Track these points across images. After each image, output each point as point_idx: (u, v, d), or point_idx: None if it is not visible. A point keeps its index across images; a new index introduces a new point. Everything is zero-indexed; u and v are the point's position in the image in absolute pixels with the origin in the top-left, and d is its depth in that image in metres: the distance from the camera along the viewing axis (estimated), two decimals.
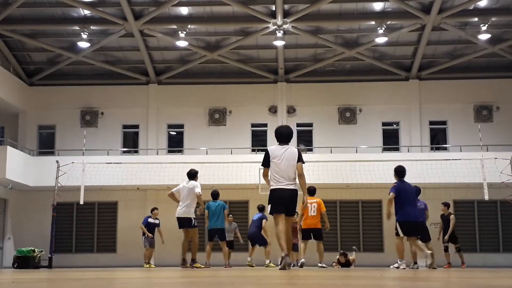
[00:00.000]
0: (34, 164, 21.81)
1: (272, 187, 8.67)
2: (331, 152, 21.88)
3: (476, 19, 20.90)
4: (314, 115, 23.64)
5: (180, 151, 23.58)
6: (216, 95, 23.86)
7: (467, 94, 23.38)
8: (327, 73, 24.16)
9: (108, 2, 20.61)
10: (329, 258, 15.57)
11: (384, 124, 23.65)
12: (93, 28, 21.49)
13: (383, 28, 20.88)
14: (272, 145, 8.97)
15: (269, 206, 8.73)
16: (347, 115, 23.53)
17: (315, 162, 19.85)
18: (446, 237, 15.55)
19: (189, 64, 23.68)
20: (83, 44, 21.96)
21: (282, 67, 23.39)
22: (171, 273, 8.97)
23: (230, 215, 17.00)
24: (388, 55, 23.56)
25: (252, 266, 15.78)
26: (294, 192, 8.67)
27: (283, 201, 8.61)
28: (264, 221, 16.01)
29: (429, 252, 11.42)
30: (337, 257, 16.42)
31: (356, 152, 22.18)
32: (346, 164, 19.89)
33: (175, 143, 23.99)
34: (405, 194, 11.51)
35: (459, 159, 19.47)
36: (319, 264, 13.99)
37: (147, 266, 17.45)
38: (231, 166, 19.83)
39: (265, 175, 8.78)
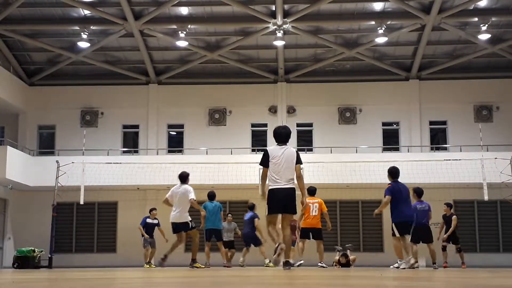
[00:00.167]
0: (34, 164, 21.81)
1: (270, 187, 8.71)
2: (331, 152, 21.88)
3: (476, 19, 20.90)
4: (314, 115, 23.64)
5: (180, 151, 23.59)
6: (216, 95, 23.87)
7: (467, 94, 23.38)
8: (327, 73, 24.17)
9: (108, 2, 20.62)
10: (329, 258, 15.58)
11: (384, 124, 23.66)
12: (93, 28, 21.49)
13: (383, 28, 20.88)
14: (271, 146, 9.01)
15: (267, 206, 8.77)
16: (347, 115, 23.53)
17: (315, 162, 19.90)
18: (445, 236, 15.55)
19: (189, 64, 23.68)
20: (83, 44, 21.96)
21: (282, 67, 23.39)
22: (171, 273, 8.97)
23: (230, 215, 17.08)
24: (388, 55, 23.56)
25: (242, 266, 15.75)
26: (291, 191, 8.70)
27: (280, 201, 8.65)
28: (256, 220, 16.10)
29: (412, 259, 11.42)
30: (337, 257, 16.41)
31: (356, 152, 22.18)
32: (346, 164, 19.89)
33: (175, 143, 24.00)
34: (399, 194, 11.56)
35: (459, 159, 19.47)
36: (319, 264, 14.00)
37: (147, 266, 17.45)
38: (231, 166, 19.83)
39: (264, 176, 8.79)
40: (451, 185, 20.43)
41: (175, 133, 24.21)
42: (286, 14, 20.71)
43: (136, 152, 23.68)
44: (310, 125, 23.79)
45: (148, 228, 17.76)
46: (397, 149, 23.37)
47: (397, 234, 11.52)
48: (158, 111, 23.82)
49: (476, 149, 20.84)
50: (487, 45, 22.11)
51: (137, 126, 24.08)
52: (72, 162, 19.24)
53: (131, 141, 24.39)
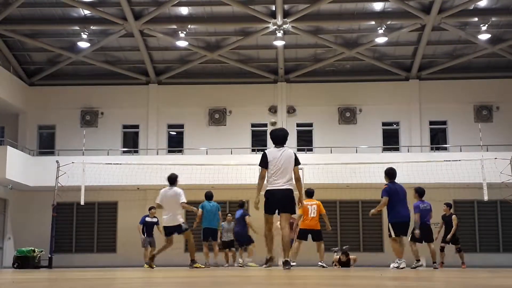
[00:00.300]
0: (34, 164, 21.81)
1: (267, 188, 8.90)
2: (331, 152, 21.88)
3: (476, 19, 20.90)
4: (314, 115, 23.64)
5: (180, 151, 23.59)
6: (216, 95, 23.87)
7: (467, 94, 23.38)
8: (327, 73, 24.17)
9: (108, 2, 20.62)
10: (329, 258, 15.58)
11: (384, 124, 23.66)
12: (93, 28, 21.49)
13: (383, 28, 20.88)
14: (270, 148, 9.23)
15: (264, 206, 8.95)
16: (347, 115, 23.53)
17: (315, 163, 19.91)
18: (449, 236, 15.54)
19: (189, 64, 23.68)
20: (83, 44, 21.96)
21: (282, 67, 23.39)
22: (171, 273, 8.96)
23: (229, 215, 17.13)
24: (388, 55, 23.56)
25: (242, 267, 15.72)
26: (289, 192, 8.88)
27: (278, 201, 8.83)
28: (247, 217, 16.15)
29: (404, 263, 11.46)
30: (337, 256, 16.44)
31: (356, 152, 22.19)
32: (346, 164, 19.88)
33: (175, 143, 24.00)
34: (396, 195, 11.60)
35: (459, 159, 19.46)
36: (320, 263, 14.02)
37: (147, 266, 17.44)
38: (231, 166, 19.82)
39: (263, 177, 8.97)
40: (451, 185, 20.42)
41: (175, 133, 24.21)
42: (286, 14, 20.72)
43: (136, 152, 23.68)
44: (310, 125, 23.79)
45: (148, 227, 17.77)
46: (397, 149, 23.38)
47: (393, 235, 11.57)
48: (158, 111, 23.82)
49: (476, 149, 20.84)
50: (487, 45, 22.11)
51: (137, 126, 24.08)
52: (72, 162, 19.24)
53: (131, 141, 24.39)
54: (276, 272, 8.35)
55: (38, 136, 24.25)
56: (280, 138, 9.13)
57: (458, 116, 23.32)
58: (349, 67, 24.09)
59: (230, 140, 23.11)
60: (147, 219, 17.84)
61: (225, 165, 19.99)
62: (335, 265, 16.46)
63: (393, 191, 11.61)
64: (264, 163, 8.93)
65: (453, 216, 15.77)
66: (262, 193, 9.13)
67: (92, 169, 19.69)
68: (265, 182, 9.12)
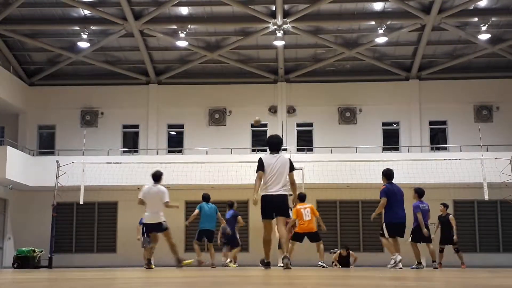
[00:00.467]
0: (34, 164, 21.81)
1: (262, 193, 9.23)
2: (331, 152, 21.88)
3: (476, 19, 20.90)
4: (314, 115, 23.65)
5: (180, 151, 23.59)
6: (216, 95, 23.87)
7: (467, 94, 23.39)
8: (327, 73, 24.17)
9: (108, 2, 20.62)
10: (329, 258, 15.60)
11: (384, 124, 23.66)
12: (93, 28, 21.50)
13: (383, 28, 20.89)
14: (265, 154, 9.57)
15: (261, 212, 9.28)
16: (347, 115, 23.53)
17: (315, 162, 19.92)
18: (456, 237, 15.57)
19: (189, 64, 23.68)
20: (83, 44, 21.96)
21: (282, 67, 23.39)
22: (171, 273, 8.97)
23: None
24: (388, 55, 23.56)
25: (234, 267, 15.54)
26: (283, 197, 9.25)
27: (273, 207, 9.18)
28: (239, 217, 16.17)
29: (399, 257, 11.46)
30: (338, 251, 16.58)
31: (356, 152, 22.19)
32: (346, 164, 19.90)
33: (175, 143, 24.00)
34: (394, 196, 11.65)
35: (459, 159, 19.47)
36: (320, 263, 14.06)
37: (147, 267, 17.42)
38: (231, 166, 19.83)
39: (260, 177, 9.24)
40: (451, 185, 20.42)
41: (175, 133, 24.21)
42: (286, 14, 20.72)
43: (136, 152, 23.68)
44: (310, 125, 23.79)
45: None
46: (397, 149, 23.38)
47: (386, 235, 11.60)
48: (158, 111, 23.83)
49: (476, 149, 20.83)
50: (487, 45, 22.11)
51: (137, 126, 24.08)
52: (72, 162, 19.25)
53: (131, 141, 24.39)
54: (276, 272, 8.36)
55: (38, 136, 24.25)
56: (274, 144, 9.50)
57: (458, 116, 23.32)
58: (349, 67, 24.10)
59: (230, 140, 23.12)
60: None
61: (225, 163, 19.95)
62: (335, 265, 16.51)
63: (391, 191, 11.65)
64: (261, 167, 9.26)
65: (451, 216, 15.78)
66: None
67: (92, 169, 19.70)
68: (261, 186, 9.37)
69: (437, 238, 15.72)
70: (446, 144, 23.42)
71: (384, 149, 23.30)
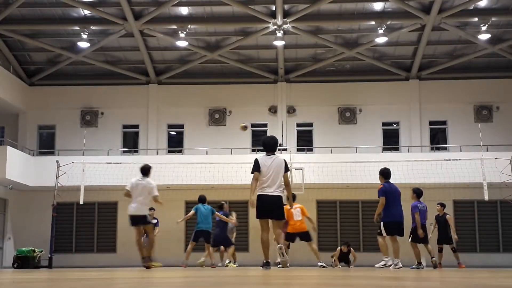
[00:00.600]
0: (34, 164, 21.81)
1: (258, 193, 9.32)
2: (331, 152, 21.87)
3: (476, 19, 20.90)
4: (314, 115, 23.64)
5: (180, 151, 23.58)
6: (216, 95, 23.87)
7: (467, 94, 23.38)
8: (327, 73, 24.17)
9: (108, 2, 20.62)
10: (328, 258, 15.59)
11: (384, 124, 23.65)
12: (93, 28, 21.49)
13: (383, 28, 20.88)
14: (260, 155, 9.64)
15: (256, 211, 9.36)
16: (347, 115, 23.53)
17: (315, 162, 19.91)
18: (456, 237, 15.58)
19: (189, 64, 23.68)
20: (83, 44, 21.96)
21: (282, 67, 23.39)
22: (171, 273, 8.97)
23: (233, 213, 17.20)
24: (388, 55, 23.56)
25: (202, 266, 15.20)
26: (278, 198, 9.36)
27: (268, 207, 9.28)
28: (230, 216, 16.18)
29: (400, 263, 11.49)
30: (339, 247, 16.65)
31: (356, 152, 22.18)
32: (346, 164, 19.89)
33: (175, 143, 24.00)
34: (391, 195, 11.70)
35: (459, 159, 19.46)
36: (319, 263, 14.05)
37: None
38: (231, 166, 19.82)
39: (256, 178, 9.35)
40: (451, 185, 20.41)
41: (175, 133, 24.20)
42: (286, 14, 20.71)
43: (136, 152, 23.67)
44: (310, 125, 23.78)
45: None
46: (397, 149, 23.37)
47: (384, 234, 11.66)
48: (158, 111, 23.82)
49: (476, 149, 20.82)
50: (487, 45, 22.11)
51: (137, 126, 24.08)
52: (72, 162, 19.24)
53: (131, 141, 24.39)
54: (276, 272, 8.36)
55: (38, 136, 24.24)
56: (270, 145, 9.61)
57: (458, 116, 23.32)
58: (349, 67, 24.09)
59: (230, 140, 23.10)
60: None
61: (225, 163, 19.95)
62: (334, 260, 16.57)
63: (389, 191, 11.70)
64: (256, 168, 9.36)
65: (448, 216, 15.78)
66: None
67: (92, 169, 19.69)
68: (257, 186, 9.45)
69: (435, 238, 15.73)
70: (446, 144, 23.42)
71: (384, 149, 23.30)
